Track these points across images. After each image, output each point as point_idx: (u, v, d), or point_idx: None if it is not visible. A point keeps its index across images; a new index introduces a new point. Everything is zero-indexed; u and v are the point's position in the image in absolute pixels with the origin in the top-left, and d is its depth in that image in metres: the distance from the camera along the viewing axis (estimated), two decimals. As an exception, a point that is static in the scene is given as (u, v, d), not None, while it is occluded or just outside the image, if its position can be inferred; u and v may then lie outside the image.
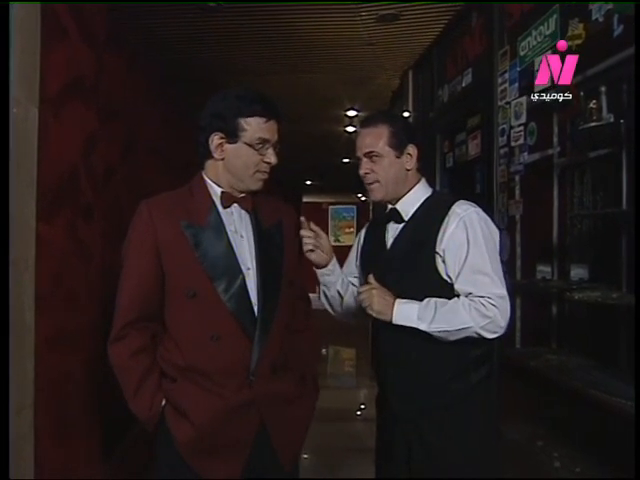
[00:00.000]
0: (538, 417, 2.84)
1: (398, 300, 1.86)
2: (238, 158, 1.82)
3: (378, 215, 2.18)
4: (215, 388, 1.77)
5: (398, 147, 1.96)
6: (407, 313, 1.84)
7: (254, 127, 1.80)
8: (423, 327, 1.81)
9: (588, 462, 2.42)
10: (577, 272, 2.65)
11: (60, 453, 2.70)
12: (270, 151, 1.84)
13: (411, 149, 1.98)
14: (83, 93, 3.08)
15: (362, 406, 5.59)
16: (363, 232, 2.22)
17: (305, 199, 17.07)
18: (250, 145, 1.80)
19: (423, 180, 2.04)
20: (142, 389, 1.79)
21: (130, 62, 4.14)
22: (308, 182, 15.16)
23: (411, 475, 1.91)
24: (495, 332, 1.82)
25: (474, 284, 1.82)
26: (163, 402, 1.81)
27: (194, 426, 1.76)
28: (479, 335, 1.82)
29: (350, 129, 8.00)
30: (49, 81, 2.59)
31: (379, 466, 2.09)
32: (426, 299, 1.84)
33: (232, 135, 1.80)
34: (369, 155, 1.98)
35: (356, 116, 7.33)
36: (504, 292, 1.84)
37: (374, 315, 1.88)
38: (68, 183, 2.86)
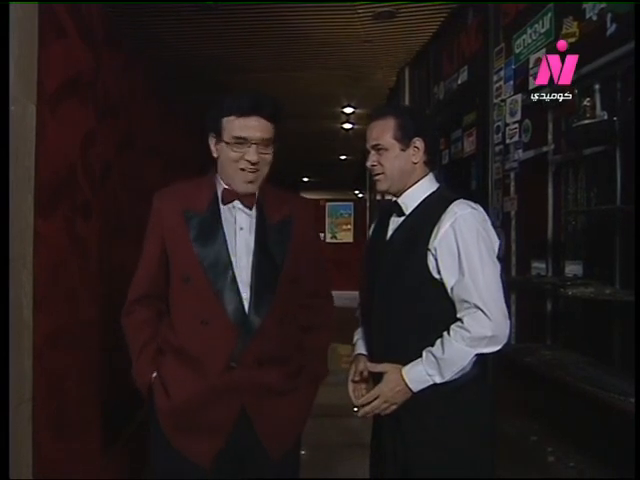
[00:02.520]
0: (532, 413, 2.87)
1: (404, 373, 1.84)
2: (222, 156, 1.89)
3: (384, 207, 2.18)
4: (199, 368, 1.85)
5: (403, 140, 1.95)
6: (419, 378, 1.82)
7: (229, 126, 1.84)
8: (438, 380, 1.80)
9: (582, 457, 2.43)
10: (571, 268, 2.66)
11: (58, 447, 2.71)
12: (252, 149, 1.83)
13: (418, 142, 1.96)
14: (81, 91, 3.08)
15: (359, 402, 5.57)
16: (373, 225, 2.22)
17: (302, 196, 17.05)
18: (228, 143, 1.84)
19: (430, 175, 2.02)
20: (141, 357, 1.95)
21: (128, 60, 4.14)
22: (305, 179, 15.16)
23: (398, 472, 1.92)
24: (498, 343, 1.80)
25: (467, 290, 1.79)
26: (154, 374, 1.92)
27: (172, 400, 1.87)
28: (486, 353, 1.81)
29: (347, 126, 8.03)
30: (47, 79, 2.60)
31: (373, 464, 2.09)
32: (425, 352, 1.82)
33: (219, 135, 1.87)
34: (376, 148, 1.99)
35: (353, 113, 7.35)
36: (498, 297, 1.81)
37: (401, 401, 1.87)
38: (66, 180, 2.87)
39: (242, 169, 1.84)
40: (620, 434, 2.12)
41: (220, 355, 1.84)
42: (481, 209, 1.91)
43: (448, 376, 1.80)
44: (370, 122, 2.04)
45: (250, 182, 1.87)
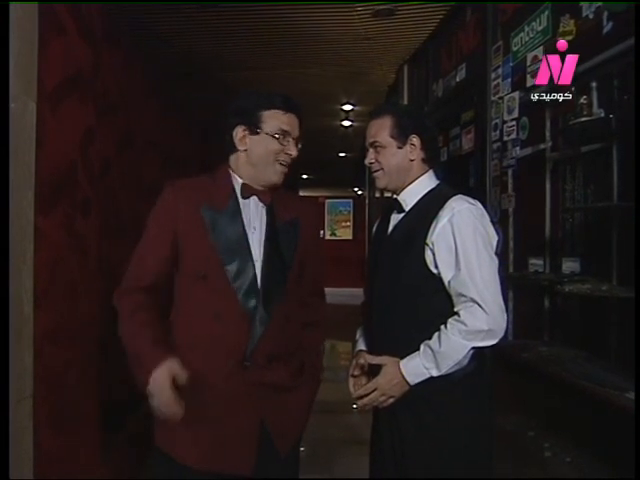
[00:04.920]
0: (530, 408, 2.88)
1: (401, 366, 1.85)
2: (260, 148, 1.90)
3: (387, 205, 2.20)
4: (212, 366, 1.83)
5: (400, 138, 1.97)
6: (416, 371, 1.83)
7: (274, 119, 1.89)
8: (435, 373, 1.82)
9: (579, 453, 2.45)
10: (569, 265, 2.67)
11: (59, 443, 2.72)
12: (292, 143, 1.91)
13: (414, 139, 1.98)
14: (81, 88, 3.09)
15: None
16: (377, 222, 2.23)
17: (301, 193, 17.03)
18: (272, 135, 1.88)
19: (430, 172, 2.03)
20: (157, 347, 1.78)
21: (128, 57, 4.15)
22: (304, 176, 15.15)
23: (396, 467, 1.93)
24: (494, 337, 1.81)
25: (463, 284, 1.81)
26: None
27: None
28: (482, 347, 1.82)
29: (346, 123, 8.04)
30: (47, 76, 2.61)
31: (372, 460, 2.11)
32: (422, 345, 1.84)
33: (254, 127, 1.89)
34: (373, 145, 2.01)
35: (352, 110, 7.36)
36: (494, 291, 1.82)
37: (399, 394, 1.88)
38: (66, 177, 2.88)
39: (279, 161, 1.91)
40: (617, 429, 2.13)
41: (233, 353, 1.83)
42: (479, 205, 1.92)
43: (445, 369, 1.81)
44: (369, 120, 2.07)
45: (281, 173, 1.94)
